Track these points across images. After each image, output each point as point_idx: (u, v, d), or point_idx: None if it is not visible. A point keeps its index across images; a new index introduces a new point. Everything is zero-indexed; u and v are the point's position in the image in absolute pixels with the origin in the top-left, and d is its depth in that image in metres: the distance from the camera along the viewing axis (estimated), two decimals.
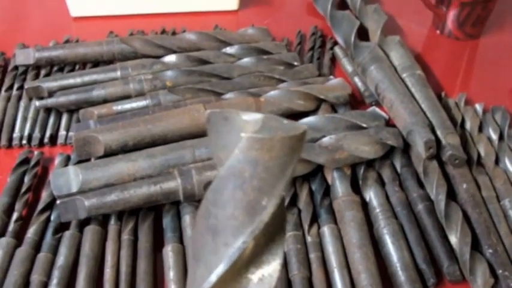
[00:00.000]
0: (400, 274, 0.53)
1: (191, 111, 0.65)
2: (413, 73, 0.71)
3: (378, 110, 0.69)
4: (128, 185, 0.57)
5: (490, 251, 0.55)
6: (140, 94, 0.70)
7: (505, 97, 0.76)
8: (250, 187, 0.29)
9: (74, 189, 0.57)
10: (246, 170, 0.29)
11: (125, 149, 0.62)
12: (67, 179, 0.58)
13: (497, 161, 0.65)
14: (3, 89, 0.74)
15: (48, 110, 0.71)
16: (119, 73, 0.73)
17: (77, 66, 0.78)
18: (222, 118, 0.30)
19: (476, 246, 0.56)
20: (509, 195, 0.61)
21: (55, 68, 0.77)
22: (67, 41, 0.82)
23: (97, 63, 0.78)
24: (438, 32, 0.88)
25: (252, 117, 0.30)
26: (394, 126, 0.67)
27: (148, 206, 0.57)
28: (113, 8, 0.89)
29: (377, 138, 0.62)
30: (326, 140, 0.61)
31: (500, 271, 0.54)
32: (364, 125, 0.65)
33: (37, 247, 0.56)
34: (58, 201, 0.56)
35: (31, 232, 0.57)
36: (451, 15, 0.85)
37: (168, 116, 0.64)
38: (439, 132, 0.64)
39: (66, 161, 0.64)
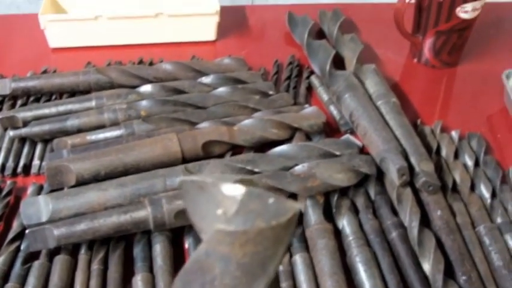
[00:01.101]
0: None
1: (164, 140, 0.64)
2: (387, 101, 0.72)
3: (351, 137, 0.69)
4: (98, 214, 0.56)
5: (464, 277, 0.55)
6: (114, 124, 0.70)
7: (481, 124, 0.77)
8: (222, 286, 0.25)
9: (44, 219, 0.57)
10: (216, 266, 0.25)
11: (97, 178, 0.62)
12: (37, 208, 0.57)
13: (472, 188, 0.65)
14: None
15: (22, 140, 0.70)
16: (93, 103, 0.73)
17: (54, 97, 0.78)
18: (198, 187, 0.27)
19: (450, 273, 0.56)
20: (484, 221, 0.61)
21: (31, 98, 0.77)
22: (45, 72, 0.82)
23: (73, 93, 0.78)
24: (415, 60, 0.89)
25: (232, 192, 0.26)
26: (368, 153, 0.66)
27: (118, 235, 0.57)
28: (91, 39, 0.89)
29: (350, 166, 0.62)
30: (298, 168, 0.61)
31: None
32: (338, 153, 0.65)
33: (5, 277, 0.55)
34: (27, 231, 0.56)
35: (0, 262, 0.56)
36: (427, 43, 0.85)
37: (141, 145, 0.64)
38: (412, 159, 0.64)
39: (39, 190, 0.64)
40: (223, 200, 0.26)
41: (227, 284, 0.25)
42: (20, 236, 0.58)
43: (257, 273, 0.25)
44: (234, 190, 0.26)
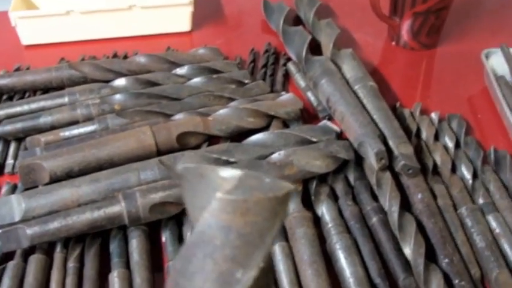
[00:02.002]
0: None
1: (137, 133, 0.63)
2: (365, 84, 0.71)
3: (329, 123, 0.68)
4: (71, 211, 0.55)
5: (446, 260, 0.54)
6: (88, 119, 0.69)
7: (461, 105, 0.76)
8: (222, 257, 0.25)
9: (17, 218, 0.55)
10: (217, 237, 0.25)
11: (71, 175, 0.61)
12: (10, 208, 0.56)
13: (453, 169, 0.64)
14: None
15: None
16: (66, 99, 0.71)
17: (27, 94, 0.76)
18: (198, 175, 0.27)
19: (432, 256, 0.55)
20: (466, 203, 0.60)
21: (4, 97, 0.76)
22: (17, 69, 0.81)
23: (47, 90, 0.76)
24: (394, 43, 0.88)
25: (230, 174, 0.27)
26: (346, 139, 0.66)
27: (93, 231, 0.56)
28: (64, 34, 0.88)
29: (327, 152, 0.61)
30: (275, 156, 0.60)
31: (457, 281, 0.53)
32: (315, 140, 0.64)
33: None
34: (0, 231, 0.55)
35: None
36: (405, 25, 0.84)
37: (114, 139, 0.62)
38: (391, 143, 0.63)
39: (13, 190, 0.63)
40: (222, 184, 0.26)
41: (227, 255, 0.26)
42: None
43: (256, 243, 0.26)
44: (232, 173, 0.27)
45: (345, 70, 0.74)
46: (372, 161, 0.61)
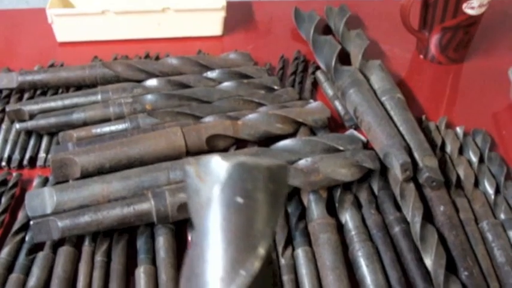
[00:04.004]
0: None
1: (168, 133, 0.65)
2: (392, 96, 0.71)
3: (355, 133, 0.69)
4: (102, 206, 0.56)
5: (466, 273, 0.55)
6: (120, 117, 0.70)
7: (486, 121, 0.76)
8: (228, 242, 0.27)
9: (48, 211, 0.57)
10: (225, 220, 0.27)
11: (102, 171, 0.62)
12: (42, 200, 0.58)
13: (476, 184, 0.65)
14: None
15: (29, 133, 0.71)
16: (99, 97, 0.73)
17: (60, 90, 0.78)
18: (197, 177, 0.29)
19: (452, 268, 0.56)
20: (487, 217, 0.61)
21: (38, 92, 0.77)
22: (51, 66, 0.83)
23: (80, 87, 0.78)
24: (421, 56, 0.89)
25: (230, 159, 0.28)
26: (372, 149, 0.66)
27: (121, 227, 0.57)
28: (98, 33, 0.90)
29: (353, 161, 0.62)
30: (302, 162, 0.61)
31: None
32: (341, 148, 0.65)
33: (10, 268, 0.56)
34: (32, 222, 0.56)
35: (4, 253, 0.56)
36: (434, 39, 0.85)
37: (145, 138, 0.64)
38: (416, 155, 0.64)
39: (44, 183, 0.64)
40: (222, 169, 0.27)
41: (234, 238, 0.27)
42: (25, 227, 0.59)
43: (258, 226, 0.27)
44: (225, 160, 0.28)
45: (373, 81, 0.75)
46: (396, 172, 0.62)
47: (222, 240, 0.27)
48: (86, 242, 0.58)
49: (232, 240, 0.27)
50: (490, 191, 0.64)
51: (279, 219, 0.58)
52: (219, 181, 0.27)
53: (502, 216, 0.61)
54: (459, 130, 0.71)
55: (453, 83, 0.85)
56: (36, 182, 0.64)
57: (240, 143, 0.69)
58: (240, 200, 0.27)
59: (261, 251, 0.27)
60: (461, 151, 0.69)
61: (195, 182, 0.29)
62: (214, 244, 0.27)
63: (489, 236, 0.59)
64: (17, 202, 0.63)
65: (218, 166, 0.28)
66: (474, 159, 0.67)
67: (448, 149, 0.68)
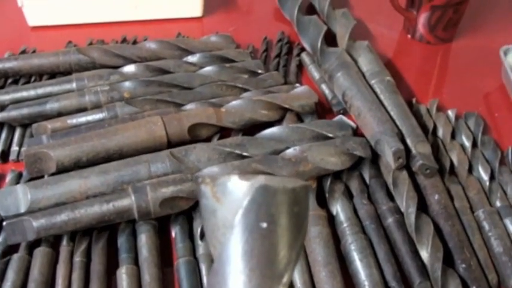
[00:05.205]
0: None
1: (148, 123, 0.61)
2: (382, 79, 0.69)
3: (345, 119, 0.66)
4: (79, 204, 0.53)
5: (463, 265, 0.53)
6: (96, 106, 0.67)
7: (478, 102, 0.74)
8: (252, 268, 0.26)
9: (22, 210, 0.54)
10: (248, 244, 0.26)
11: (79, 165, 0.59)
12: (15, 198, 0.55)
13: (470, 170, 0.63)
14: None
15: (0, 125, 0.67)
16: (74, 85, 0.70)
17: (33, 78, 0.74)
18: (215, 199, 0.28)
19: (449, 260, 0.53)
20: (483, 205, 0.59)
21: (9, 81, 0.74)
22: (23, 52, 0.79)
23: (54, 74, 0.75)
24: (409, 36, 0.86)
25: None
26: (362, 135, 0.64)
27: (101, 225, 0.54)
28: (72, 16, 0.85)
29: (343, 149, 0.59)
30: (290, 151, 0.59)
31: (474, 287, 0.51)
32: (330, 135, 0.62)
33: None
34: (5, 223, 0.53)
35: None
36: (422, 18, 0.82)
37: (124, 129, 0.61)
38: (408, 141, 0.61)
39: (18, 178, 0.61)
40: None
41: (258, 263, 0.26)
42: None
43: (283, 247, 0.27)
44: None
45: (360, 63, 0.72)
46: (389, 160, 0.59)
47: (245, 268, 0.27)
48: (64, 242, 0.55)
49: (255, 268, 0.26)
50: (485, 177, 0.61)
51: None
52: (241, 205, 0.27)
53: (498, 203, 0.59)
54: (451, 113, 0.69)
55: (442, 63, 0.83)
56: (9, 177, 0.61)
57: (223, 131, 0.66)
58: (264, 225, 0.26)
59: (287, 278, 0.27)
60: (453, 135, 0.66)
61: (211, 202, 0.28)
62: (237, 272, 0.27)
63: (485, 225, 0.57)
64: None
65: (238, 187, 0.27)
66: (467, 143, 0.65)
67: (440, 133, 0.66)
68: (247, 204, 0.26)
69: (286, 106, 0.66)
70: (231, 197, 0.27)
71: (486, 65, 0.80)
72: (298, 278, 0.52)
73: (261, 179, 0.27)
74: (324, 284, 0.51)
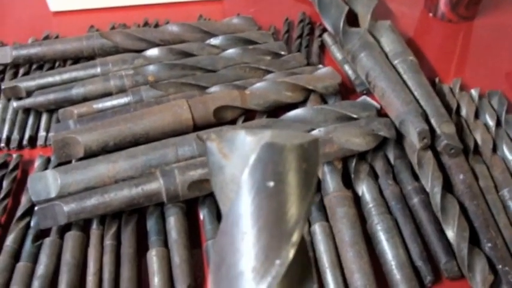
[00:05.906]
0: (396, 273, 0.51)
1: (173, 107, 0.62)
2: (405, 59, 0.68)
3: (369, 99, 0.66)
4: (108, 188, 0.54)
5: (489, 245, 0.53)
6: (121, 91, 0.68)
7: (501, 81, 0.74)
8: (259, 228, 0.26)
9: (53, 194, 0.55)
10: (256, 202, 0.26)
11: (106, 149, 0.60)
12: (45, 183, 0.55)
13: (494, 149, 0.62)
14: None
15: (27, 111, 0.68)
16: (99, 69, 0.70)
17: (57, 64, 0.75)
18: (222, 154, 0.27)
19: (474, 240, 0.54)
20: (508, 184, 0.58)
21: (34, 66, 0.74)
22: (46, 37, 0.79)
23: (77, 59, 0.75)
24: (431, 14, 0.85)
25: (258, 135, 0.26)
26: (386, 115, 0.64)
27: (130, 209, 0.55)
28: (93, 1, 0.86)
29: (368, 130, 0.60)
30: (315, 132, 0.59)
31: (500, 266, 0.52)
32: (355, 116, 0.62)
33: (16, 256, 0.54)
34: (36, 208, 0.54)
35: (10, 240, 0.54)
36: None
37: (150, 113, 0.61)
38: (433, 121, 0.61)
39: (46, 163, 0.62)
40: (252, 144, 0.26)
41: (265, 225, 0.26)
42: (29, 212, 0.56)
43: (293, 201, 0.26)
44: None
45: (383, 43, 0.72)
46: (413, 140, 0.59)
47: (254, 228, 0.26)
48: (94, 225, 0.56)
49: (264, 228, 0.26)
50: (509, 156, 0.61)
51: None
52: (247, 163, 0.26)
53: None
54: (474, 92, 0.68)
55: (464, 42, 0.82)
56: (37, 162, 0.62)
57: (248, 114, 0.66)
58: (271, 184, 0.26)
59: (296, 237, 0.26)
60: (477, 115, 0.66)
61: (218, 159, 0.27)
62: (246, 232, 0.26)
63: (510, 205, 0.57)
64: (19, 185, 0.61)
65: (244, 143, 0.26)
66: (491, 123, 0.65)
67: (464, 112, 0.66)
68: (253, 162, 0.25)
69: (310, 87, 0.66)
70: (238, 152, 0.26)
71: (509, 43, 0.80)
72: (325, 259, 0.52)
73: (267, 135, 0.26)
74: (351, 263, 0.51)
